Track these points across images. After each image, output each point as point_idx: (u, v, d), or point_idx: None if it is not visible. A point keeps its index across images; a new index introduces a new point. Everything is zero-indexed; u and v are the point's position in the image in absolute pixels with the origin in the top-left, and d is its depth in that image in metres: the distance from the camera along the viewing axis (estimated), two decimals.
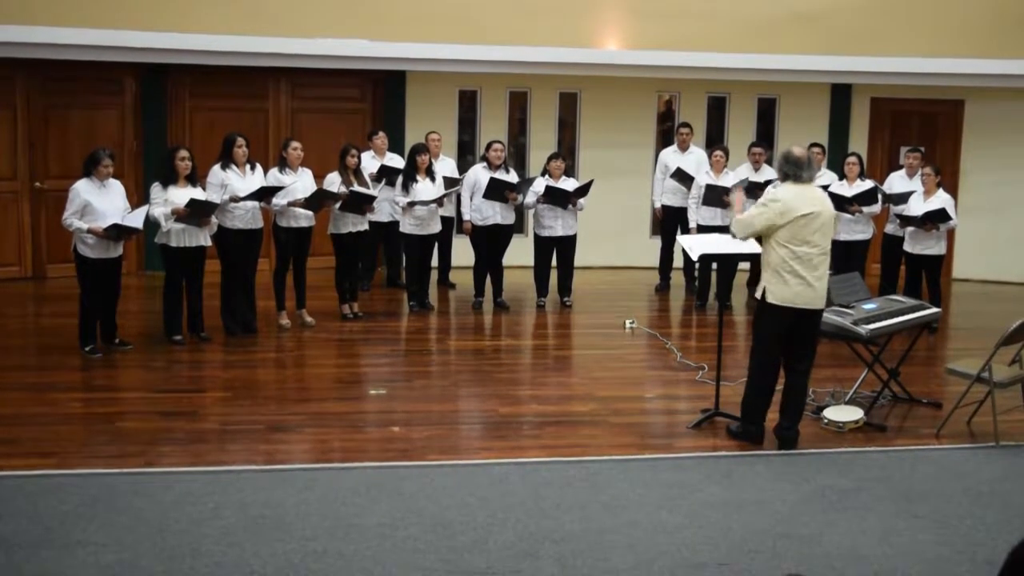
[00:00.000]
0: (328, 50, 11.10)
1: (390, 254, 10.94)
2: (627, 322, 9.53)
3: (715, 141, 11.87)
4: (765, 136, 12.22)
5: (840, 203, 9.53)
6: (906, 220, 9.37)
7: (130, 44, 10.52)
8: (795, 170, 6.13)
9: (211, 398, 7.15)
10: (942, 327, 9.74)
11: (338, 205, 8.99)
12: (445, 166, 10.49)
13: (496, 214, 9.83)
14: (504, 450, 6.22)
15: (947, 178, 11.15)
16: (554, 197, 9.82)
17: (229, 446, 6.21)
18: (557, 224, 9.96)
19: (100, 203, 7.80)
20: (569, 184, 9.98)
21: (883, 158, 12.33)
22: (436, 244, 10.18)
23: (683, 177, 10.56)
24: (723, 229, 9.07)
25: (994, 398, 6.46)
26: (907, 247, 9.45)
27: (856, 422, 6.70)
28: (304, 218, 8.85)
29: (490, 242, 9.97)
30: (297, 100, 11.71)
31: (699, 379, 7.80)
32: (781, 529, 5.12)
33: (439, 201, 9.63)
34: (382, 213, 9.88)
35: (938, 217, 9.12)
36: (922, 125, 12.47)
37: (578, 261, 10.29)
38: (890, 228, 9.94)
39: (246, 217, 8.50)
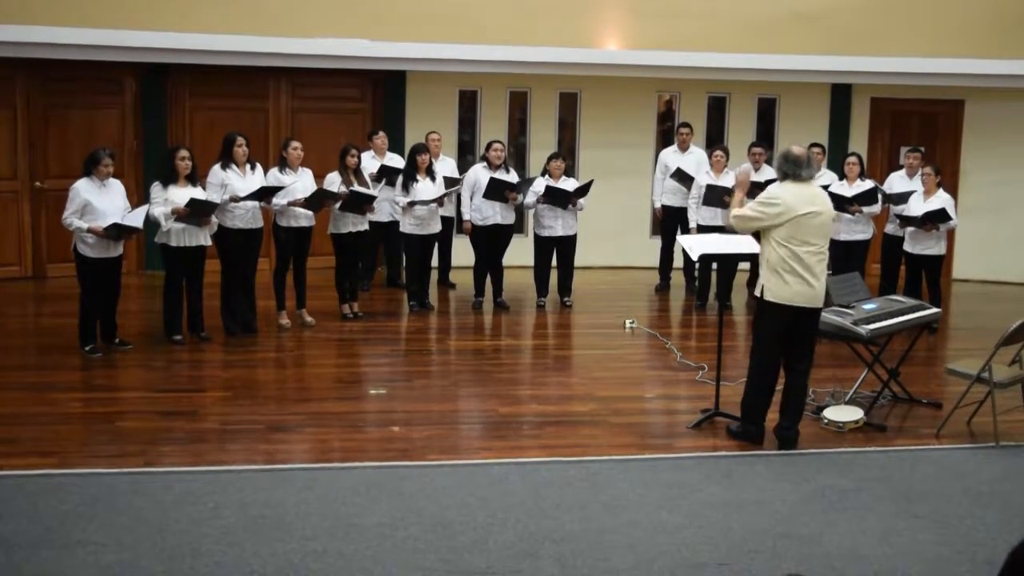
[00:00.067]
0: (328, 50, 11.10)
1: (390, 254, 10.94)
2: (627, 322, 9.53)
3: (715, 141, 11.87)
4: (765, 136, 12.22)
5: (840, 203, 9.53)
6: (906, 220, 9.37)
7: (130, 44, 10.52)
8: (794, 169, 6.13)
9: (211, 398, 7.15)
10: (942, 327, 9.74)
11: (338, 205, 8.99)
12: (445, 166, 10.49)
13: (496, 214, 9.83)
14: (504, 450, 6.22)
15: (947, 178, 11.15)
16: (554, 197, 9.82)
17: (229, 446, 6.21)
18: (557, 224, 9.96)
19: (100, 203, 7.80)
20: (569, 184, 9.98)
21: (883, 158, 12.33)
22: (436, 244, 10.18)
23: (683, 177, 10.56)
24: (723, 229, 9.09)
25: (994, 398, 6.46)
26: (907, 247, 9.45)
27: (856, 422, 6.70)
28: (304, 218, 8.85)
29: (490, 242, 9.97)
30: (297, 100, 11.71)
31: (699, 379, 7.80)
32: (781, 529, 5.12)
33: (439, 201, 9.63)
34: (382, 213, 9.88)
35: (938, 217, 9.12)
36: (922, 125, 12.47)
37: (578, 261, 10.30)
38: (890, 228, 9.94)
39: (246, 217, 8.50)
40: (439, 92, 11.85)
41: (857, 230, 9.78)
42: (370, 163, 9.99)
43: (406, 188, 9.49)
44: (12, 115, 10.85)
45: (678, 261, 11.13)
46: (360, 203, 9.08)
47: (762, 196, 6.23)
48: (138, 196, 10.12)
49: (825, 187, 9.65)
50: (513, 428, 6.69)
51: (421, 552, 4.76)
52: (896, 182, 10.04)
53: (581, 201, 9.96)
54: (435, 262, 10.35)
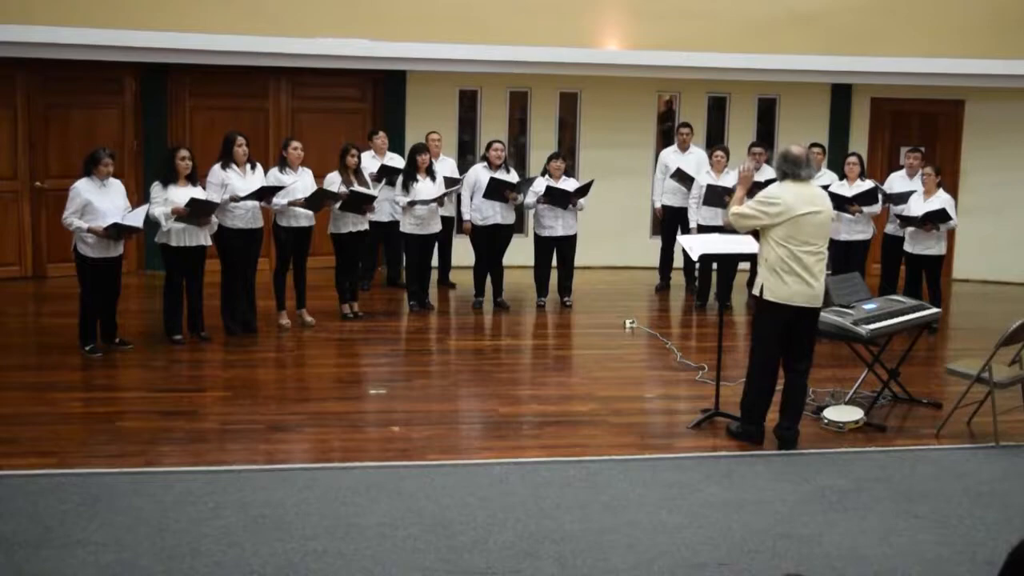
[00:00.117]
0: (328, 50, 11.10)
1: (390, 254, 10.94)
2: (627, 322, 9.53)
3: (715, 141, 11.87)
4: (765, 136, 12.22)
5: (840, 203, 9.54)
6: (906, 220, 9.37)
7: (130, 44, 10.52)
8: (794, 168, 6.13)
9: (211, 397, 7.15)
10: (942, 327, 9.74)
11: (338, 205, 8.99)
12: (445, 166, 10.49)
13: (496, 214, 9.83)
14: (504, 450, 6.22)
15: (947, 178, 11.15)
16: (554, 197, 9.82)
17: (229, 446, 6.21)
18: (557, 224, 9.96)
19: (100, 202, 7.80)
20: (569, 184, 9.98)
21: (883, 158, 12.33)
22: (436, 244, 10.18)
23: (683, 177, 10.56)
24: (724, 229, 9.08)
25: (994, 398, 6.46)
26: (907, 247, 9.44)
27: (856, 422, 6.70)
28: (304, 218, 8.85)
29: (490, 242, 9.97)
30: (297, 100, 11.71)
31: (699, 379, 7.80)
32: (781, 529, 5.12)
33: (439, 200, 9.63)
34: (382, 213, 9.88)
35: (938, 217, 9.12)
36: (922, 125, 12.47)
37: (578, 261, 10.29)
38: (890, 228, 9.94)
39: (246, 217, 8.50)
40: (439, 92, 11.85)
41: (857, 230, 9.78)
42: (370, 163, 9.99)
43: (406, 188, 9.49)
44: (12, 115, 10.85)
45: (678, 261, 11.13)
46: (360, 203, 9.08)
47: (761, 195, 6.22)
48: (138, 196, 10.12)
49: (825, 187, 9.65)
50: (513, 428, 6.69)
51: (421, 552, 4.76)
52: (896, 182, 10.03)
53: (581, 201, 9.96)
54: (435, 262, 10.35)
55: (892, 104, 12.38)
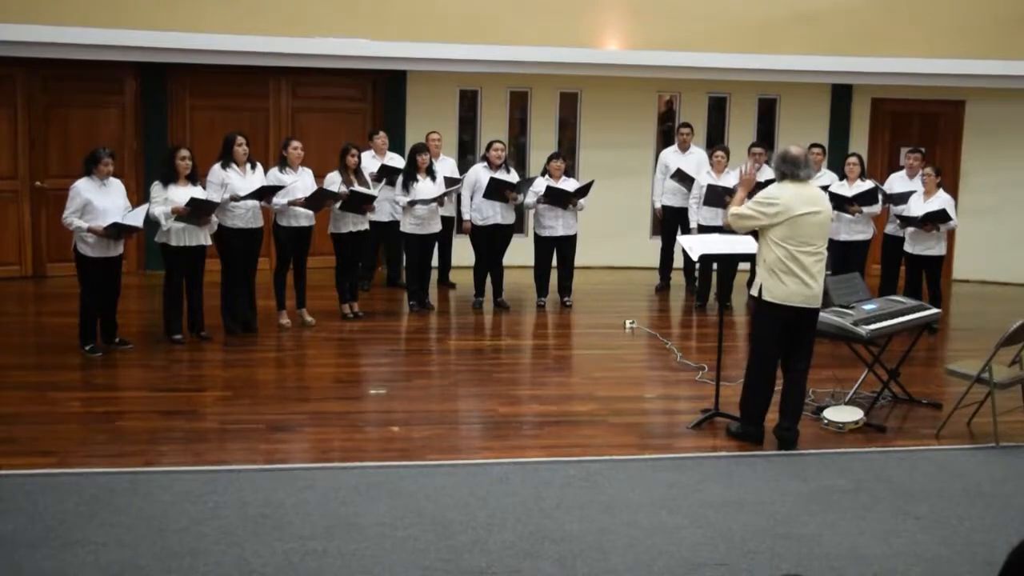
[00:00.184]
0: (328, 50, 11.10)
1: (390, 254, 10.94)
2: (627, 322, 9.53)
3: (715, 141, 11.87)
4: (766, 136, 12.22)
5: (840, 203, 9.54)
6: (906, 221, 9.37)
7: (131, 43, 10.52)
8: (792, 169, 6.13)
9: (211, 397, 7.15)
10: (942, 328, 9.74)
11: (338, 205, 8.99)
12: (445, 166, 10.49)
13: (496, 214, 9.83)
14: (504, 450, 6.22)
15: (947, 179, 11.16)
16: (554, 197, 9.82)
17: (229, 445, 6.21)
18: (558, 224, 9.96)
19: (101, 202, 7.80)
20: (569, 184, 9.98)
21: (883, 159, 12.34)
22: (436, 244, 10.18)
23: (683, 178, 10.56)
24: (724, 229, 9.07)
25: (994, 399, 6.46)
26: (907, 248, 9.44)
27: (856, 422, 6.70)
28: (304, 217, 8.85)
29: (490, 242, 9.97)
30: (297, 100, 11.72)
31: (699, 379, 7.80)
32: (781, 529, 5.12)
33: (439, 200, 9.63)
34: (382, 213, 9.88)
35: (938, 218, 9.12)
36: (922, 126, 12.47)
37: (578, 261, 10.29)
38: (890, 228, 9.94)
39: (246, 216, 8.50)
40: (439, 92, 11.86)
41: (857, 230, 9.78)
42: (370, 163, 9.99)
43: (406, 188, 9.49)
44: (12, 114, 10.85)
45: (678, 261, 11.13)
46: (360, 203, 9.08)
47: (760, 195, 6.22)
48: (138, 196, 10.12)
49: (825, 187, 9.66)
50: (513, 428, 6.68)
51: (421, 552, 4.76)
52: (896, 183, 10.03)
53: (581, 201, 9.96)
54: (435, 262, 10.35)
55: (892, 104, 12.39)
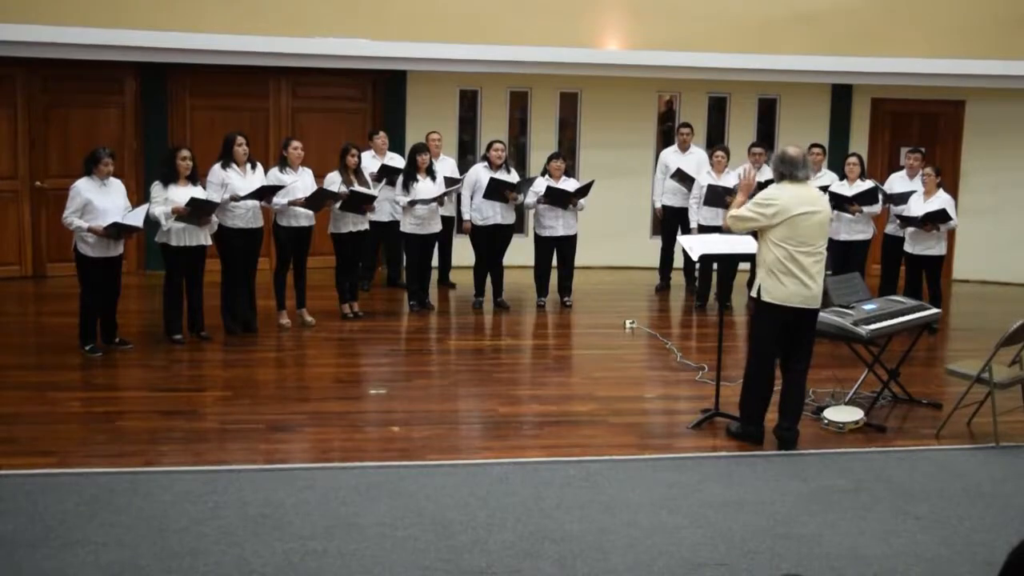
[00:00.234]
0: (328, 50, 11.10)
1: (390, 254, 10.94)
2: (627, 322, 9.53)
3: (715, 141, 11.87)
4: (766, 136, 12.22)
5: (840, 203, 9.54)
6: (906, 220, 9.37)
7: (131, 44, 10.52)
8: (791, 169, 6.14)
9: (211, 397, 7.15)
10: (942, 328, 9.74)
11: (338, 205, 8.99)
12: (445, 166, 10.49)
13: (496, 214, 9.83)
14: (504, 450, 6.22)
15: (948, 179, 11.16)
16: (554, 197, 9.82)
17: (229, 445, 6.21)
18: (558, 224, 9.96)
19: (101, 202, 7.80)
20: (569, 184, 9.98)
21: (883, 159, 12.34)
22: (436, 244, 10.18)
23: (683, 178, 10.56)
24: (724, 230, 9.08)
25: (994, 399, 6.46)
26: (907, 248, 9.44)
27: (856, 423, 6.70)
28: (304, 217, 8.85)
29: (490, 242, 9.97)
30: (297, 100, 11.72)
31: (699, 379, 7.79)
32: (781, 529, 5.12)
33: (439, 200, 9.62)
34: (382, 213, 9.88)
35: (938, 217, 9.12)
36: (923, 126, 12.47)
37: (578, 261, 10.29)
38: (890, 228, 9.94)
39: (246, 216, 8.50)
40: (439, 92, 11.86)
41: (857, 230, 9.78)
42: (370, 163, 9.99)
43: (406, 188, 9.49)
44: (12, 114, 10.86)
45: (678, 261, 11.13)
46: (360, 203, 9.08)
47: (758, 197, 6.23)
48: (139, 196, 10.12)
49: (826, 187, 9.67)
50: (513, 428, 6.68)
51: (421, 552, 4.76)
52: (896, 183, 10.03)
53: (581, 201, 9.96)
54: (435, 262, 10.35)
55: (892, 104, 12.39)
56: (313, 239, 9.08)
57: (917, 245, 9.34)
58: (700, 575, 4.64)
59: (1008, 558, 2.50)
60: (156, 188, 8.15)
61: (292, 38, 11.01)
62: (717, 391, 6.90)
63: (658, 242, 11.38)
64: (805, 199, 6.11)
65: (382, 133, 10.56)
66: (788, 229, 6.04)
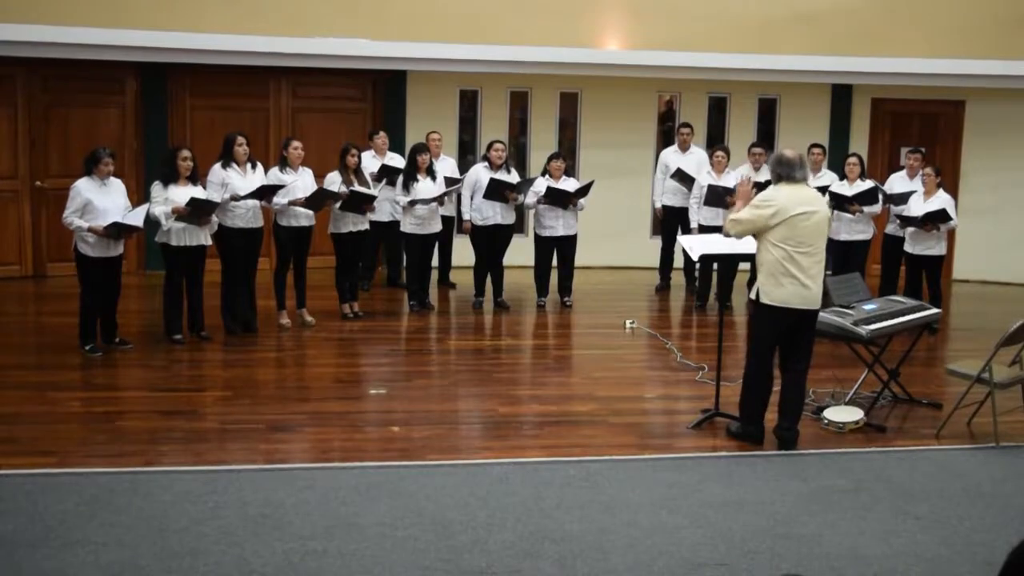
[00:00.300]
0: (328, 50, 11.10)
1: (390, 254, 10.94)
2: (627, 322, 9.53)
3: (716, 141, 11.87)
4: (766, 136, 12.22)
5: (840, 203, 9.54)
6: (906, 220, 9.37)
7: (131, 44, 10.52)
8: (787, 171, 6.15)
9: (211, 397, 7.15)
10: (942, 328, 9.74)
11: (338, 204, 8.99)
12: (446, 165, 10.49)
13: (496, 214, 9.83)
14: (504, 450, 6.22)
15: (948, 179, 11.16)
16: (554, 197, 9.82)
17: (229, 445, 6.21)
18: (558, 224, 9.96)
19: (101, 202, 7.80)
20: (569, 184, 9.98)
21: (883, 159, 12.33)
22: (436, 244, 10.18)
23: (683, 178, 10.56)
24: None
25: (994, 399, 6.46)
26: (907, 248, 9.44)
27: (856, 423, 6.70)
28: (304, 217, 8.85)
29: (490, 242, 9.97)
30: (297, 100, 11.72)
31: (699, 379, 7.79)
32: (781, 529, 5.12)
33: (440, 199, 9.62)
34: (382, 213, 9.88)
35: (938, 217, 9.12)
36: (923, 126, 12.47)
37: (578, 261, 10.29)
38: (890, 228, 9.93)
39: (247, 216, 8.50)
40: (439, 92, 11.86)
41: (857, 230, 9.78)
42: (371, 163, 9.99)
43: (406, 188, 9.49)
44: (13, 114, 10.86)
45: (678, 261, 11.13)
46: (360, 203, 9.08)
47: (756, 199, 6.23)
48: (139, 196, 10.11)
49: (826, 187, 9.68)
50: (513, 428, 6.68)
51: (421, 552, 4.76)
52: (896, 183, 10.03)
53: (581, 201, 9.96)
54: (435, 262, 10.35)
55: (892, 104, 12.38)
56: (313, 239, 9.09)
57: (917, 245, 9.33)
58: (700, 575, 4.65)
59: (1008, 558, 2.50)
60: (156, 188, 8.15)
61: (292, 38, 11.01)
62: (717, 391, 6.90)
63: (658, 242, 11.38)
64: (803, 199, 6.11)
65: (382, 133, 10.56)
66: (787, 230, 6.04)
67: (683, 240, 7.36)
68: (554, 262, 10.18)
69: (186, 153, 8.22)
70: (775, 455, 6.23)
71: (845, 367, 7.70)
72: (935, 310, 7.55)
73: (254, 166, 8.64)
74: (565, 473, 5.80)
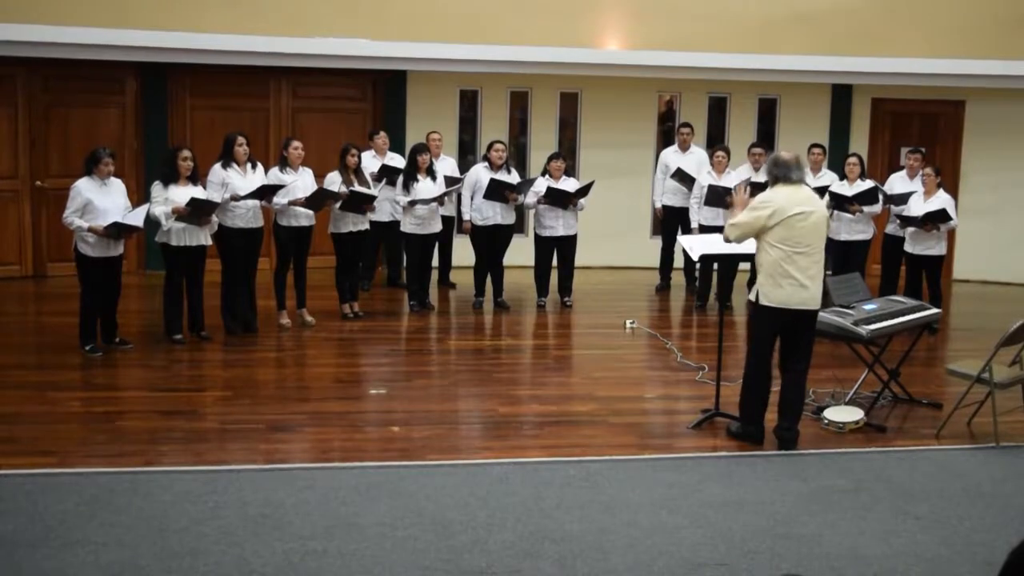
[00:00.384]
0: (328, 50, 11.10)
1: (390, 254, 10.95)
2: (627, 322, 9.53)
3: (716, 141, 11.87)
4: (766, 136, 12.22)
5: (841, 203, 9.54)
6: (906, 220, 9.37)
7: (131, 44, 10.53)
8: (784, 172, 6.16)
9: (211, 397, 7.15)
10: (942, 328, 9.74)
11: (338, 204, 8.99)
12: (446, 165, 10.49)
13: (496, 214, 9.83)
14: (504, 450, 6.22)
15: (948, 179, 11.15)
16: (554, 198, 9.82)
17: (229, 445, 6.21)
18: (558, 224, 9.96)
19: (101, 201, 7.80)
20: (569, 184, 9.98)
21: (883, 159, 12.34)
22: (436, 244, 10.18)
23: (683, 177, 10.56)
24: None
25: (994, 399, 6.46)
26: (907, 248, 9.44)
27: (856, 423, 6.70)
28: (304, 217, 8.85)
29: (490, 242, 9.97)
30: (297, 100, 11.72)
31: (699, 379, 7.80)
32: (781, 529, 5.12)
33: (440, 199, 9.62)
34: (382, 213, 9.88)
35: (938, 217, 9.12)
36: (923, 126, 12.47)
37: (578, 261, 10.29)
38: (891, 228, 9.94)
39: (247, 216, 8.50)
40: (439, 92, 11.86)
41: (857, 230, 9.78)
42: (371, 163, 9.99)
43: (407, 188, 9.49)
44: (13, 114, 10.86)
45: (678, 261, 11.13)
46: (360, 203, 9.08)
47: (753, 202, 6.24)
48: (139, 196, 10.12)
49: (826, 187, 9.68)
50: (513, 428, 6.68)
51: (421, 552, 4.76)
52: (897, 183, 10.03)
53: (582, 201, 9.96)
54: (435, 262, 10.35)
55: (892, 104, 12.38)
56: (313, 239, 9.09)
57: (917, 245, 9.34)
58: (700, 575, 4.65)
59: (1008, 558, 2.50)
60: (156, 188, 8.15)
61: (292, 38, 11.02)
62: (717, 391, 6.90)
63: (658, 242, 11.38)
64: (800, 200, 6.12)
65: (382, 133, 10.56)
66: (784, 230, 6.05)
67: (683, 240, 7.36)
68: (554, 262, 10.18)
69: (187, 153, 8.22)
70: (775, 455, 6.23)
71: (845, 367, 7.70)
72: (935, 310, 7.55)
73: (254, 166, 8.64)
74: (565, 473, 5.80)
